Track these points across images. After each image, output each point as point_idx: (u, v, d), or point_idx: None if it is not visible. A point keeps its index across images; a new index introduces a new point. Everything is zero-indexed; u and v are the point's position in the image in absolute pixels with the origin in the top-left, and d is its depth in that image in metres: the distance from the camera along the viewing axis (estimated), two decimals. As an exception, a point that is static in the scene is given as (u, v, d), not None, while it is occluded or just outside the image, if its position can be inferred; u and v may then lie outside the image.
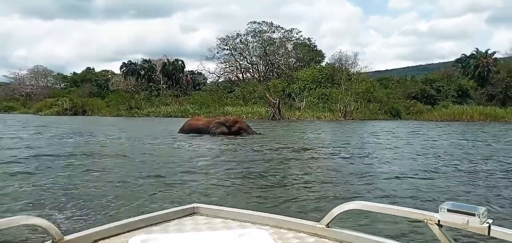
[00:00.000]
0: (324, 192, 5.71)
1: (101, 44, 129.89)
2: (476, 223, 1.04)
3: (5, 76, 62.85)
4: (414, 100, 38.95)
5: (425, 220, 1.13)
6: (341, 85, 37.39)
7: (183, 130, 16.48)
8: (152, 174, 7.07)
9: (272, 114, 33.98)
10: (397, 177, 6.87)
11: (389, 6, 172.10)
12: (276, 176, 7.07)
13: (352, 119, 33.24)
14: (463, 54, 47.65)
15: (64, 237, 1.20)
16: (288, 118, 33.92)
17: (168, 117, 36.61)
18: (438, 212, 1.11)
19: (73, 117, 36.32)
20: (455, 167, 8.05)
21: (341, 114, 34.33)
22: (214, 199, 5.19)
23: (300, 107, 37.78)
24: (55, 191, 5.65)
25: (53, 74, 62.62)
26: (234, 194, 5.73)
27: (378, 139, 15.19)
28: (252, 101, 41.33)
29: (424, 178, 6.84)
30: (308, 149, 11.37)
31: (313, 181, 6.53)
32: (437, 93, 40.44)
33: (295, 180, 6.73)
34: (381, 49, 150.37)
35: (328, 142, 13.91)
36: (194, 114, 37.42)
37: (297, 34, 51.03)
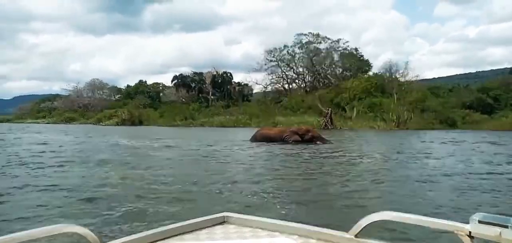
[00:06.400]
0: (386, 202, 5.92)
1: (149, 58, 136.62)
2: (509, 235, 1.00)
3: (64, 88, 67.42)
4: (469, 110, 37.89)
5: (455, 232, 1.10)
6: (393, 94, 37.10)
7: (255, 139, 17.28)
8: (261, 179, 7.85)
9: (324, 123, 34.30)
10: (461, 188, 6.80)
11: (436, 13, 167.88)
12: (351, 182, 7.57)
13: (407, 128, 32.90)
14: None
15: None
16: (340, 128, 34.08)
17: (222, 127, 37.85)
18: (469, 224, 1.07)
19: (134, 127, 38.42)
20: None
21: (395, 124, 34.08)
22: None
23: (351, 117, 37.85)
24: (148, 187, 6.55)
25: (108, 86, 66.41)
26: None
27: (452, 151, 15.06)
28: (300, 111, 41.83)
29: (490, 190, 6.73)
30: (376, 157, 12.01)
31: (383, 189, 6.86)
32: (494, 102, 39.09)
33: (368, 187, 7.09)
34: (427, 57, 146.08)
35: (393, 151, 14.11)
36: (246, 124, 38.64)
37: (343, 44, 51.25)
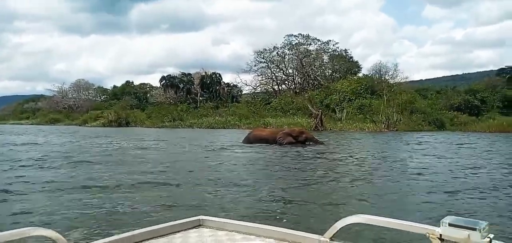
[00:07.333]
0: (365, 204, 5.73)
1: (136, 58, 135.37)
2: (477, 238, 1.05)
3: (49, 89, 65.93)
4: (457, 111, 38.26)
5: (427, 234, 1.14)
6: (383, 96, 37.21)
7: (248, 140, 16.93)
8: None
9: (314, 125, 34.12)
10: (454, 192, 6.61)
11: (423, 15, 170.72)
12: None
13: (396, 130, 32.98)
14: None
15: None
16: (330, 129, 33.96)
17: (211, 128, 37.35)
18: (440, 226, 1.11)
19: (120, 128, 37.65)
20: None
21: (384, 125, 34.14)
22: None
23: (340, 118, 37.81)
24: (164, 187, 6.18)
25: (94, 87, 65.16)
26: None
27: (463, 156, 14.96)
28: (290, 112, 41.63)
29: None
30: (368, 158, 11.93)
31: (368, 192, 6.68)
32: (481, 103, 39.57)
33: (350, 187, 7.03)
34: (415, 59, 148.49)
35: (383, 152, 13.96)
36: (235, 125, 38.22)
37: (333, 45, 51.36)
